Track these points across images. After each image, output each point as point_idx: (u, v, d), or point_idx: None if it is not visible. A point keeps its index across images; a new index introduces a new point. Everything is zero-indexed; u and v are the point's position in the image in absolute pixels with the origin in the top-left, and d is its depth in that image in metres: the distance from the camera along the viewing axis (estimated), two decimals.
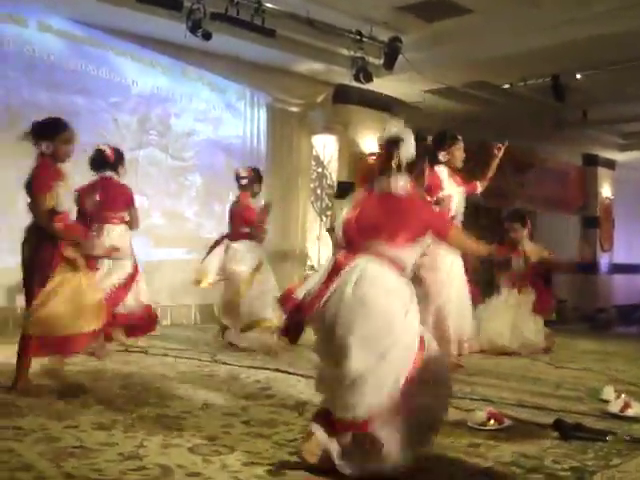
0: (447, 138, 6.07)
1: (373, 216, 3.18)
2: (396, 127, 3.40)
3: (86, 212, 6.30)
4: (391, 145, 3.31)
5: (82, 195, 6.40)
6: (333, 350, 2.97)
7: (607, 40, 8.22)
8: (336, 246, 3.31)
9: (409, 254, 3.18)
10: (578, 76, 9.94)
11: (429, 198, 5.75)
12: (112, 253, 6.05)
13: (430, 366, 2.98)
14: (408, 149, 3.30)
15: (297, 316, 3.11)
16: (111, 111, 8.58)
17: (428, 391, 2.95)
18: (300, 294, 3.08)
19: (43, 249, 4.58)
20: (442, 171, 5.96)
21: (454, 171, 6.06)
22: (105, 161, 6.48)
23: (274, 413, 4.16)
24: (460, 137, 6.12)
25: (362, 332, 2.93)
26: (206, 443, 3.46)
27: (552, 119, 12.31)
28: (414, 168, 3.33)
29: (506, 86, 10.72)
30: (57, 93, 8.10)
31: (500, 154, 6.40)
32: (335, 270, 3.07)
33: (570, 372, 6.17)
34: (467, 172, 6.33)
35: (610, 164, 16.37)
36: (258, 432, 3.69)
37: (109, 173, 6.43)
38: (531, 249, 7.64)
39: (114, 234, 6.33)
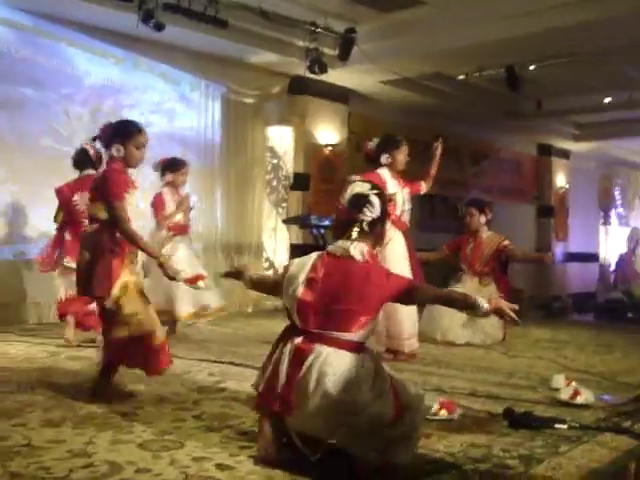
0: (391, 142, 6.26)
1: (332, 299, 3.01)
2: (361, 187, 3.18)
3: (74, 211, 6.40)
4: (355, 208, 3.13)
5: (68, 193, 6.39)
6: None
7: (561, 32, 8.32)
8: (289, 316, 3.17)
9: (369, 330, 3.08)
10: (532, 67, 10.03)
11: None
12: None
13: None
14: (373, 213, 3.13)
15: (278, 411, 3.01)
16: (62, 103, 8.46)
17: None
18: (278, 387, 2.98)
19: (107, 256, 4.26)
20: (384, 173, 6.16)
21: (397, 173, 6.25)
22: (89, 160, 6.45)
23: (226, 407, 4.14)
24: (403, 141, 6.28)
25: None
26: (156, 438, 3.43)
27: (507, 109, 12.43)
28: (375, 227, 3.18)
29: (461, 77, 10.79)
30: (5, 84, 7.96)
31: (438, 152, 6.49)
32: (297, 359, 2.97)
33: (523, 361, 6.24)
34: (416, 170, 6.47)
35: (565, 154, 16.60)
36: (209, 426, 3.68)
37: (91, 171, 6.36)
38: (487, 238, 7.70)
39: None
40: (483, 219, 7.70)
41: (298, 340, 3.02)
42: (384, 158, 6.18)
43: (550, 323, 9.64)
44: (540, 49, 9.20)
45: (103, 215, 4.27)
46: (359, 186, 3.17)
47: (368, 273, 3.07)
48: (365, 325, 3.03)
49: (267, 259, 10.61)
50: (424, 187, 6.54)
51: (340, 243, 3.14)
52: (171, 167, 7.21)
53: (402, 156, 6.23)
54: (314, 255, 3.17)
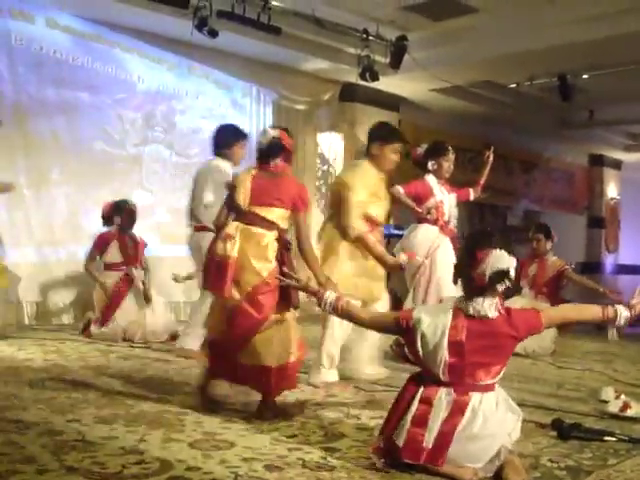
0: (437, 149, 6.32)
1: (477, 357, 3.05)
2: (501, 261, 3.03)
3: None
4: (496, 282, 3.04)
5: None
6: None
7: (615, 40, 8.25)
8: (431, 374, 3.10)
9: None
10: (585, 76, 9.95)
11: (417, 207, 5.95)
12: None
13: None
14: (510, 283, 3.07)
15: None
16: (116, 107, 8.63)
17: None
18: (427, 442, 2.96)
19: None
20: (431, 179, 6.23)
21: (443, 180, 6.29)
22: None
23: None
24: (451, 150, 6.31)
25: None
26: (206, 438, 3.48)
27: (558, 119, 12.33)
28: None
29: (512, 85, 10.74)
30: (63, 89, 8.17)
31: (489, 161, 6.48)
32: (456, 410, 3.00)
33: (572, 372, 6.18)
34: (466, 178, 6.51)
35: (616, 164, 16.39)
36: (258, 428, 3.72)
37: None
38: (552, 262, 7.81)
39: None
40: (549, 245, 7.78)
41: (449, 392, 3.03)
42: (430, 164, 6.25)
43: (600, 335, 9.50)
44: (593, 58, 9.12)
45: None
46: (497, 259, 3.04)
47: (505, 328, 3.08)
48: (502, 369, 3.12)
49: None
50: (472, 195, 6.58)
51: (476, 303, 3.07)
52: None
53: (447, 164, 6.27)
54: (447, 313, 3.09)
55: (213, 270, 4.06)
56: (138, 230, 7.66)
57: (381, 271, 5.28)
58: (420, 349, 3.08)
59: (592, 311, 3.33)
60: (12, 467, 2.93)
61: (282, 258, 4.06)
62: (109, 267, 7.17)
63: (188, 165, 9.27)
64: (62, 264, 8.04)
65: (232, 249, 3.97)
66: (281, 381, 4.08)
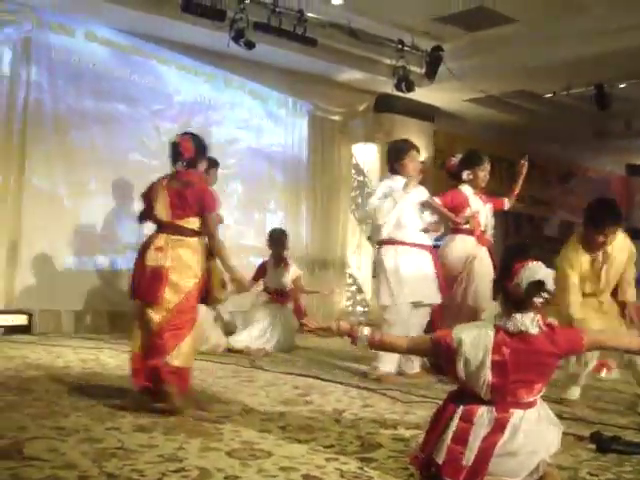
0: (472, 159, 6.29)
1: (520, 376, 3.01)
2: (537, 272, 2.99)
3: None
4: (533, 294, 3.00)
5: None
6: None
7: None
8: (472, 393, 3.07)
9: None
10: (622, 85, 9.86)
11: (456, 218, 5.95)
12: None
13: None
14: (549, 294, 3.02)
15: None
16: (153, 119, 8.72)
17: None
18: (467, 460, 2.94)
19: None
20: (466, 189, 6.22)
21: (479, 190, 6.28)
22: None
23: (311, 419, 4.19)
24: (486, 159, 6.29)
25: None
26: (244, 447, 3.50)
27: (595, 129, 12.23)
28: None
29: (548, 95, 10.66)
30: (101, 101, 8.27)
31: (524, 170, 6.41)
32: (498, 428, 2.98)
33: (610, 384, 6.11)
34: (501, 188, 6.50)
35: None
36: (295, 437, 3.73)
37: None
38: None
39: None
40: None
41: (490, 410, 3.01)
42: (465, 174, 6.24)
43: None
44: (630, 66, 9.04)
45: None
46: (534, 271, 2.99)
47: (548, 346, 3.04)
48: (544, 387, 3.09)
49: (351, 275, 10.65)
50: (507, 204, 6.55)
51: (516, 320, 3.03)
52: None
53: (483, 173, 6.26)
54: (489, 331, 3.05)
55: (145, 280, 4.30)
56: None
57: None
58: (462, 370, 3.05)
59: (632, 341, 3.32)
60: (53, 473, 2.97)
61: (209, 260, 4.44)
62: None
63: (224, 176, 9.32)
64: (100, 273, 8.13)
65: (165, 259, 4.28)
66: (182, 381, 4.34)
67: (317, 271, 10.16)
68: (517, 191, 6.57)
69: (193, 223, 4.40)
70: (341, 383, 5.45)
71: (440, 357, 3.26)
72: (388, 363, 5.76)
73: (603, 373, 4.22)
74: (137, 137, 8.60)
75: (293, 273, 7.77)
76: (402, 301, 5.78)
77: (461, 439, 2.97)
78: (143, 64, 8.67)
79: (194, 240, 4.41)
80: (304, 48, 8.31)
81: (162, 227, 4.41)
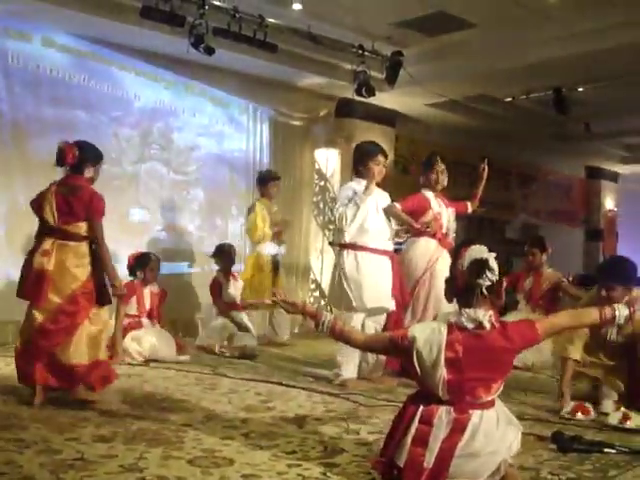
0: (425, 163, 6.48)
1: (475, 373, 3.01)
2: (479, 252, 3.07)
3: None
4: (475, 274, 3.04)
5: None
6: None
7: (610, 53, 8.25)
8: (430, 393, 3.06)
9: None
10: (580, 89, 9.98)
11: (415, 224, 5.98)
12: None
13: None
14: (494, 277, 3.04)
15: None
16: (112, 125, 8.61)
17: None
18: (428, 462, 2.93)
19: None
20: (427, 193, 6.33)
21: (440, 193, 6.37)
22: None
23: (274, 426, 4.18)
24: (439, 161, 6.38)
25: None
26: (206, 455, 3.48)
27: (554, 132, 12.36)
28: (494, 289, 3.08)
29: (508, 99, 10.76)
30: (60, 108, 8.15)
31: (485, 174, 6.49)
32: (457, 428, 2.98)
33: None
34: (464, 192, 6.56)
35: (613, 177, 16.42)
36: (257, 444, 3.72)
37: None
38: (547, 275, 7.82)
39: None
40: (545, 257, 7.80)
41: (448, 410, 3.00)
42: (421, 178, 6.41)
43: None
44: (588, 70, 9.14)
45: None
46: (476, 251, 3.08)
47: (501, 342, 3.04)
48: (501, 385, 3.10)
49: (314, 280, 10.64)
50: (469, 207, 6.61)
51: (468, 314, 3.05)
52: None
53: (434, 176, 6.33)
54: (441, 329, 3.06)
55: (31, 281, 4.62)
56: (135, 247, 7.67)
57: None
58: (418, 368, 3.06)
59: (589, 314, 3.33)
60: None
61: (95, 263, 4.68)
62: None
63: (185, 182, 9.30)
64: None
65: (49, 263, 4.57)
66: (97, 376, 4.61)
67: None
68: (479, 195, 6.64)
69: (80, 228, 4.67)
70: (304, 388, 5.45)
71: (397, 354, 3.28)
72: (350, 368, 5.77)
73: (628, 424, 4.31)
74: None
75: (240, 287, 8.04)
76: (361, 308, 5.78)
77: (421, 441, 2.97)
78: (102, 70, 8.56)
79: (79, 244, 4.66)
80: (264, 54, 8.27)
81: (50, 231, 4.67)
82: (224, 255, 8.05)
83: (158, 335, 6.93)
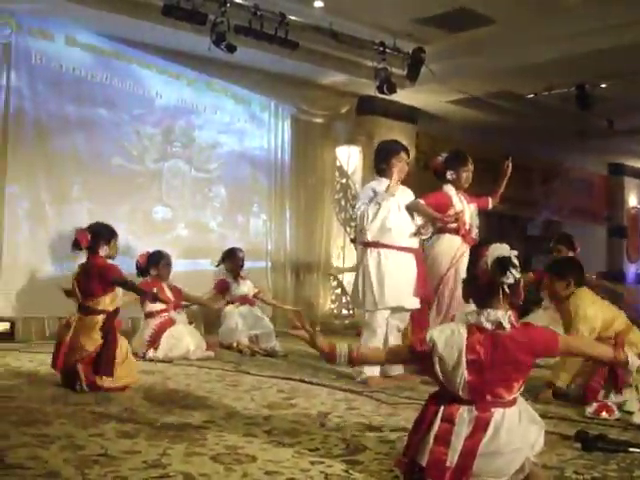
0: (455, 158, 6.35)
1: (497, 374, 2.98)
2: (502, 250, 3.03)
3: None
4: (499, 272, 2.99)
5: None
6: None
7: (632, 49, 8.20)
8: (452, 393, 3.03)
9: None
10: (603, 85, 9.90)
11: (443, 217, 5.95)
12: None
13: None
14: (517, 274, 3.01)
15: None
16: (134, 123, 8.68)
17: None
18: (451, 461, 2.91)
19: None
20: (449, 189, 6.24)
21: (461, 190, 6.29)
22: None
23: (296, 423, 4.17)
24: (470, 160, 6.32)
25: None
26: (228, 452, 3.48)
27: (577, 128, 12.28)
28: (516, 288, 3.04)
29: (530, 96, 10.69)
30: (83, 106, 8.23)
31: (508, 171, 6.43)
32: (479, 427, 2.95)
33: None
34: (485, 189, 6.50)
35: (637, 173, 16.30)
36: (280, 441, 3.72)
37: None
38: None
39: None
40: (571, 254, 7.66)
41: (470, 409, 2.98)
42: (449, 174, 6.28)
43: None
44: (611, 66, 9.07)
45: None
46: (499, 249, 3.04)
47: (521, 343, 3.01)
48: (523, 384, 3.07)
49: (335, 278, 10.64)
50: (490, 203, 6.57)
51: (488, 315, 3.02)
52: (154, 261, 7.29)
53: (466, 174, 6.29)
54: (461, 330, 3.03)
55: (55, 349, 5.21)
56: (158, 245, 7.72)
57: None
58: (439, 372, 3.04)
59: (605, 351, 3.33)
60: None
61: (107, 331, 5.13)
62: (151, 315, 7.06)
63: (207, 180, 9.33)
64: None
65: (67, 334, 5.13)
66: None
67: (302, 273, 10.15)
68: (500, 191, 6.59)
69: (98, 303, 5.21)
70: (325, 386, 5.45)
71: (420, 362, 3.25)
72: (372, 366, 5.75)
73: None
74: (119, 142, 8.56)
75: (253, 288, 8.17)
76: (383, 306, 5.78)
77: (443, 440, 2.95)
78: (124, 68, 8.63)
79: (94, 318, 5.19)
80: (286, 51, 8.29)
81: (79, 308, 5.28)
82: (234, 258, 8.13)
83: (192, 334, 7.04)
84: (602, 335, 5.04)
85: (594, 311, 5.16)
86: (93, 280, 5.21)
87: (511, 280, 2.99)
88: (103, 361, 5.00)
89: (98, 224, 5.48)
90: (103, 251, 5.31)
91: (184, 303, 7.50)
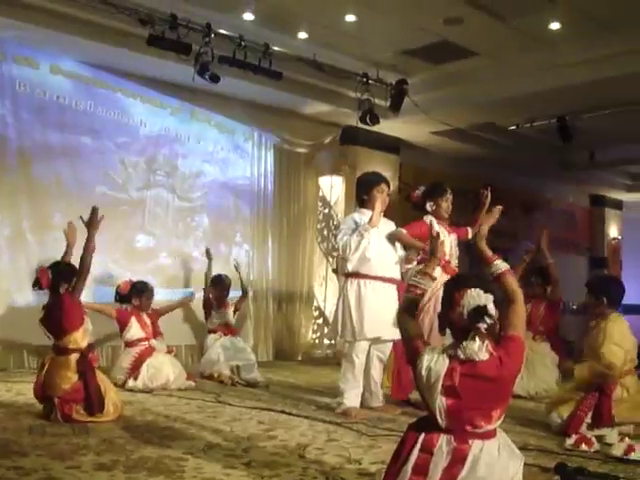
0: (435, 190, 6.43)
1: (473, 402, 2.98)
2: (477, 298, 3.02)
3: None
4: (475, 320, 2.98)
5: None
6: None
7: (614, 82, 8.29)
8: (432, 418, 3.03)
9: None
10: (585, 117, 10.00)
11: (424, 245, 5.97)
12: None
13: None
14: (492, 320, 3.00)
15: None
16: (119, 152, 8.67)
17: None
18: None
19: None
20: (430, 219, 6.20)
21: (441, 220, 6.32)
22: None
23: (276, 455, 4.15)
24: (449, 190, 6.42)
25: None
26: None
27: (559, 160, 12.38)
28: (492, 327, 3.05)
29: (512, 127, 10.78)
30: (67, 134, 8.21)
31: (487, 200, 6.45)
32: (457, 458, 2.95)
33: None
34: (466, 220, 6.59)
35: (617, 205, 16.42)
36: (259, 473, 3.69)
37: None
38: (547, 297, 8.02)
39: None
40: (548, 289, 7.88)
41: (449, 440, 2.98)
42: (429, 205, 6.35)
43: None
44: (592, 99, 9.17)
45: None
46: (474, 297, 3.01)
47: (497, 370, 3.01)
48: (502, 413, 3.06)
49: (317, 307, 10.63)
50: (470, 233, 6.59)
51: (464, 347, 3.01)
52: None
53: (446, 204, 6.37)
54: (444, 357, 3.03)
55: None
56: (140, 274, 7.70)
57: None
58: (418, 385, 3.07)
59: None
60: None
61: (84, 371, 5.12)
62: (131, 344, 7.06)
63: (190, 209, 9.32)
64: None
65: (41, 374, 5.16)
66: None
67: (284, 303, 10.13)
68: (480, 221, 6.61)
69: (68, 342, 5.18)
70: (306, 417, 5.42)
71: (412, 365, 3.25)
72: (352, 398, 5.75)
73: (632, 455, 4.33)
74: (103, 170, 8.53)
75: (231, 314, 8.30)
76: (362, 337, 5.79)
77: (421, 470, 2.94)
78: (108, 97, 8.63)
79: (67, 358, 5.16)
80: (270, 81, 8.33)
81: (52, 347, 5.28)
82: (222, 285, 8.23)
83: (172, 364, 7.01)
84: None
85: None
86: (59, 319, 5.19)
87: (487, 325, 3.00)
88: (93, 402, 5.00)
89: (59, 262, 5.47)
90: (62, 289, 5.26)
91: None
